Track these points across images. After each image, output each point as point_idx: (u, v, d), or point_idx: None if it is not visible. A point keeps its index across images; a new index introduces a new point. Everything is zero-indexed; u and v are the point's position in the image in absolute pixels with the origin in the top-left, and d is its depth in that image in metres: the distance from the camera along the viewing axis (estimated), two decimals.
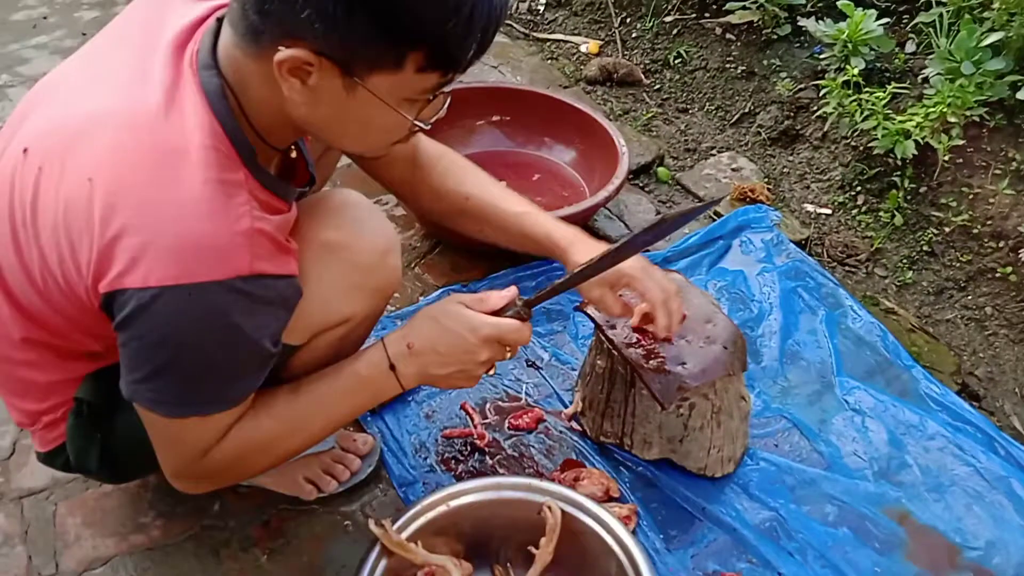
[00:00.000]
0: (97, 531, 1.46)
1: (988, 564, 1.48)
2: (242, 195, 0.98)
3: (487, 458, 1.63)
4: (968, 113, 2.12)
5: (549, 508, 1.30)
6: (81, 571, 1.41)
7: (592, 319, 1.54)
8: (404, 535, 1.28)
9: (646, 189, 2.37)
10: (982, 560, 1.48)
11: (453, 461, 1.62)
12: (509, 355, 1.26)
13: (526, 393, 1.76)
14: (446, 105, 1.10)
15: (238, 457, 1.17)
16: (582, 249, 1.38)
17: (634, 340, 1.50)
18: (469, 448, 1.65)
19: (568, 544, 1.30)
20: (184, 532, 1.47)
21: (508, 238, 1.48)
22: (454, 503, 1.34)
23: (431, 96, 1.04)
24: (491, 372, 1.32)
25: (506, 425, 1.69)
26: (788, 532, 1.51)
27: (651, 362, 1.46)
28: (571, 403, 1.73)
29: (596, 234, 2.17)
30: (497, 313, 1.23)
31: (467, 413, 1.71)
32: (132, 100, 1.00)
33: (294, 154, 1.19)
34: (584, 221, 2.10)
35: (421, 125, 1.07)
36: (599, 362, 1.60)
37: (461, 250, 2.07)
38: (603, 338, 1.54)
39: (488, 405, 1.73)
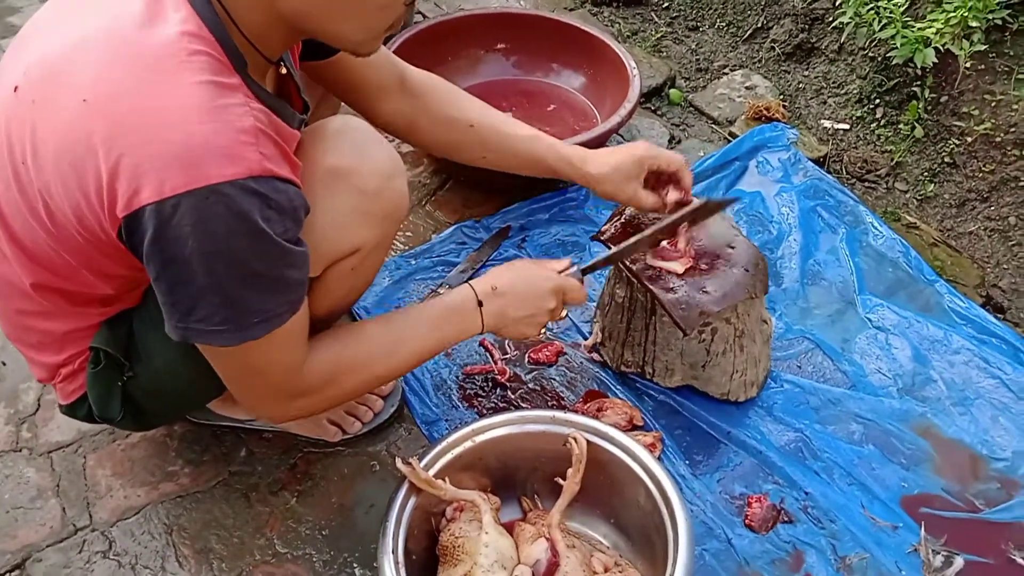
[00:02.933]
0: (127, 481, 1.48)
1: (1015, 474, 1.48)
2: (239, 96, 0.96)
3: (509, 393, 1.63)
4: (990, 16, 2.05)
5: (575, 439, 1.30)
6: (115, 521, 1.43)
7: (610, 249, 1.51)
8: (431, 472, 1.28)
9: (658, 112, 2.32)
10: (1008, 470, 1.48)
11: (475, 398, 1.62)
12: (564, 315, 1.38)
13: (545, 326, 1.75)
14: None
15: (330, 377, 1.18)
16: (595, 161, 1.44)
17: (653, 268, 1.47)
18: (490, 384, 1.65)
19: (595, 474, 1.31)
20: (213, 478, 1.49)
21: (516, 163, 1.47)
22: (479, 438, 1.34)
23: None
24: (542, 333, 1.40)
25: (526, 359, 1.69)
26: (814, 452, 1.51)
27: (671, 289, 1.44)
28: (591, 334, 1.71)
29: None
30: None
31: (486, 349, 1.70)
32: (113, 18, 0.97)
33: (284, 70, 1.15)
34: (597, 148, 2.05)
35: None
36: (618, 291, 1.58)
37: (472, 185, 2.04)
38: (622, 267, 1.52)
39: (507, 341, 1.72)
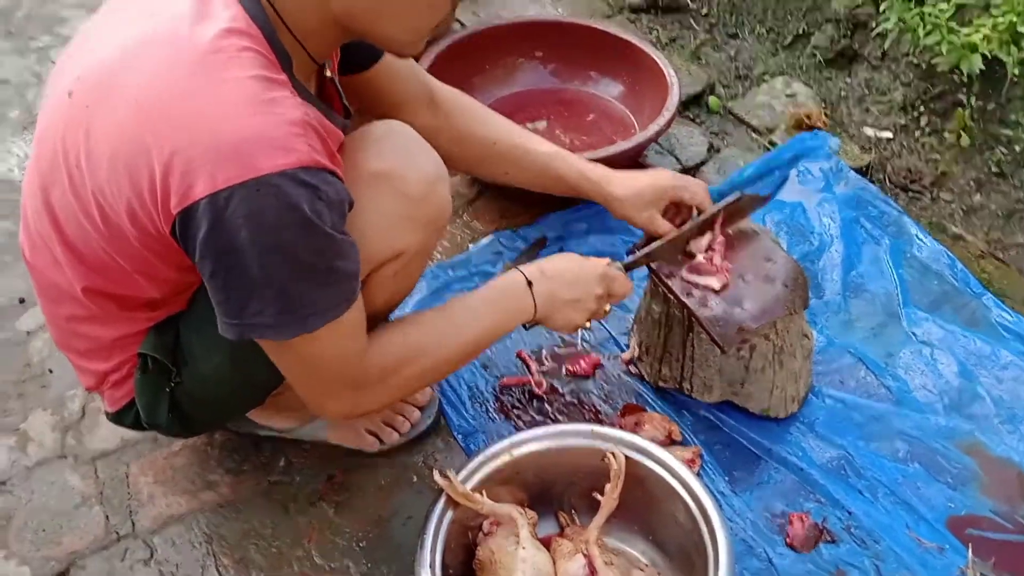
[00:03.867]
0: (169, 489, 1.50)
1: None
2: (287, 90, 0.98)
3: (546, 405, 1.62)
4: None
5: (613, 455, 1.29)
6: (157, 529, 1.45)
7: (647, 265, 1.50)
8: (468, 485, 1.28)
9: (697, 121, 2.30)
10: None
11: (512, 410, 1.62)
12: (607, 310, 1.39)
13: (582, 339, 1.74)
14: None
15: (392, 367, 1.19)
16: (617, 182, 1.45)
17: (690, 283, 1.46)
18: (527, 396, 1.64)
19: (633, 489, 1.30)
20: (253, 488, 1.50)
21: (538, 181, 1.50)
22: (517, 452, 1.34)
23: None
24: (588, 326, 1.40)
25: (563, 372, 1.68)
26: (857, 470, 1.48)
27: (709, 305, 1.43)
28: (628, 347, 1.70)
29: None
30: None
31: (523, 361, 1.70)
32: (162, 20, 0.99)
33: (328, 72, 1.17)
34: (635, 157, 2.04)
35: None
36: (655, 307, 1.57)
37: (509, 195, 2.03)
38: (658, 281, 1.51)
39: (544, 352, 1.71)
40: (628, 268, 1.41)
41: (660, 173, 1.49)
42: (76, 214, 1.07)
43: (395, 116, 1.38)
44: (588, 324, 1.38)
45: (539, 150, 1.47)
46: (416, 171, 1.23)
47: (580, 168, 1.47)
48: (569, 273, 1.33)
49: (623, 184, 1.45)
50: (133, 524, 1.46)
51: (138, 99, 0.97)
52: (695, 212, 1.48)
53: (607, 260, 1.39)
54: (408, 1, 1.04)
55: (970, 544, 1.37)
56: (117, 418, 1.34)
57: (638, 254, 1.44)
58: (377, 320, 1.35)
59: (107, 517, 1.46)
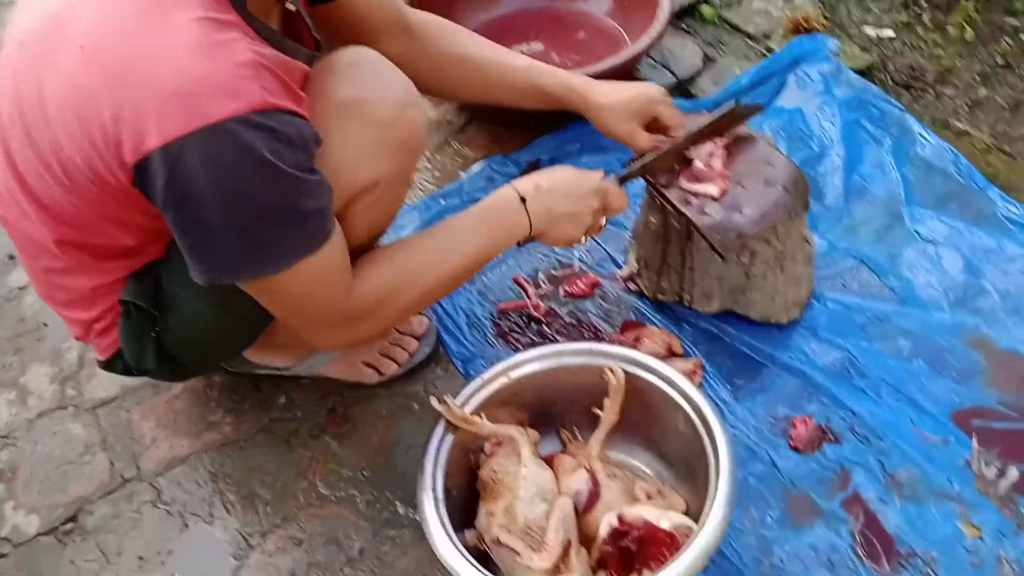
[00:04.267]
0: (171, 432, 1.50)
1: None
2: (236, 32, 0.95)
3: (545, 328, 1.60)
4: None
5: (611, 370, 1.28)
6: (161, 471, 1.46)
7: (643, 177, 1.46)
8: (467, 409, 1.28)
9: (691, 32, 2.22)
10: None
11: (511, 334, 1.60)
12: (603, 224, 1.36)
13: (578, 259, 1.72)
14: None
15: (382, 296, 1.18)
16: (600, 90, 1.41)
17: (688, 192, 1.42)
18: (526, 320, 1.62)
19: (633, 403, 1.28)
20: (254, 426, 1.50)
21: (520, 96, 1.45)
22: (515, 373, 1.32)
23: None
24: (585, 240, 1.36)
25: (561, 293, 1.66)
26: (860, 370, 1.46)
27: (708, 213, 1.39)
28: (625, 264, 1.67)
29: None
30: None
31: (520, 285, 1.68)
32: None
33: (291, 5, 1.12)
34: (627, 73, 1.98)
35: None
36: (652, 219, 1.53)
37: (498, 120, 1.99)
38: (655, 192, 1.47)
39: (540, 275, 1.69)
40: (623, 180, 1.37)
41: (646, 86, 1.44)
42: (37, 167, 1.05)
43: (369, 45, 1.33)
44: (584, 239, 1.35)
45: (517, 64, 1.43)
46: (384, 95, 1.19)
47: (561, 78, 1.43)
48: (564, 186, 1.30)
49: (606, 93, 1.41)
50: (138, 468, 1.47)
51: (84, 47, 0.94)
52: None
53: (602, 172, 1.35)
54: None
55: (975, 435, 1.35)
56: (108, 366, 1.33)
57: (634, 165, 1.40)
58: (363, 249, 1.33)
59: (111, 463, 1.48)
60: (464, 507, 1.26)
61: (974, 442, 1.35)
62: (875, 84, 1.99)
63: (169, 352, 1.27)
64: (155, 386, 1.56)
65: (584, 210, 1.30)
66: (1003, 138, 1.90)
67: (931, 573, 1.22)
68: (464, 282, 1.36)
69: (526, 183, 1.28)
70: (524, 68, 1.43)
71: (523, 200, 1.26)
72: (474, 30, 2.23)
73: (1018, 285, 1.55)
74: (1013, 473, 1.30)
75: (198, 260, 1.02)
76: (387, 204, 1.29)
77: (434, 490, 1.19)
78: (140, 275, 1.21)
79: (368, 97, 1.17)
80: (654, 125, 1.43)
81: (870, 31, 2.17)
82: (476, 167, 1.90)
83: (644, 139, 1.41)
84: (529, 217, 1.26)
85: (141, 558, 1.37)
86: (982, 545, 1.24)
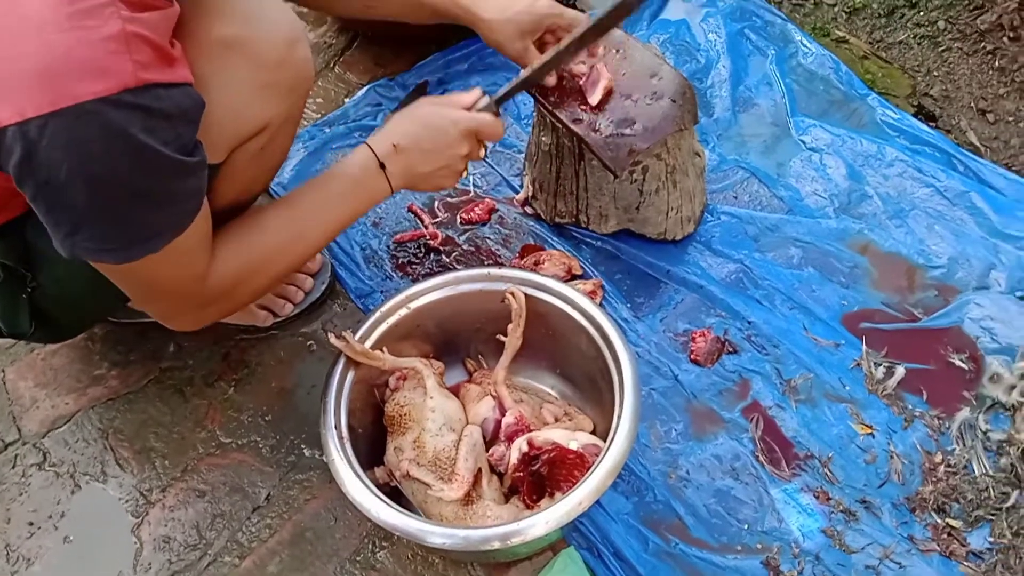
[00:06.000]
0: (52, 391, 1.42)
1: (951, 280, 1.48)
2: None
3: (443, 257, 1.57)
4: None
5: (512, 294, 1.26)
6: (45, 432, 1.38)
7: (531, 94, 1.42)
8: (368, 344, 1.24)
9: None
10: (945, 277, 1.49)
11: (409, 265, 1.56)
12: (483, 153, 1.27)
13: (474, 185, 1.68)
14: None
15: (238, 278, 1.11)
16: (489, 4, 1.30)
17: (577, 111, 1.39)
18: (423, 250, 1.59)
19: (536, 327, 1.28)
20: (143, 377, 1.43)
21: (403, 9, 1.34)
22: (414, 304, 1.29)
23: None
24: (465, 174, 1.29)
25: (458, 220, 1.62)
26: (754, 280, 1.49)
27: (597, 129, 1.37)
28: (522, 188, 1.65)
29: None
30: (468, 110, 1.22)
31: (415, 215, 1.63)
32: None
33: None
34: None
35: None
36: (544, 139, 1.50)
37: (382, 40, 1.91)
38: (545, 112, 1.44)
39: (437, 203, 1.65)
40: (500, 101, 1.26)
41: (538, 0, 1.34)
42: None
43: None
44: (465, 173, 1.29)
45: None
46: (268, 33, 1.10)
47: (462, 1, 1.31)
48: (427, 140, 1.20)
49: (496, 6, 1.31)
50: (19, 430, 1.38)
51: None
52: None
53: (476, 94, 1.25)
54: None
55: (864, 337, 1.41)
56: None
57: (509, 85, 1.29)
58: (248, 200, 1.25)
59: None
60: (372, 444, 1.24)
61: (863, 345, 1.41)
62: None
63: (44, 313, 1.18)
64: (28, 343, 1.46)
65: (452, 160, 1.22)
66: (879, 45, 1.95)
67: (828, 473, 1.28)
68: (326, 246, 1.30)
69: (383, 142, 1.19)
70: None
71: (382, 166, 1.18)
72: None
73: (898, 188, 1.61)
74: (900, 371, 1.37)
75: (61, 236, 0.94)
76: (276, 149, 1.21)
77: (338, 428, 1.16)
78: (4, 233, 1.10)
79: (249, 35, 1.08)
80: (552, 40, 1.35)
81: None
82: (360, 92, 1.82)
83: (535, 58, 1.31)
84: (389, 181, 1.19)
85: (31, 524, 1.30)
86: (874, 442, 1.31)
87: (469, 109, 1.23)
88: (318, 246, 1.21)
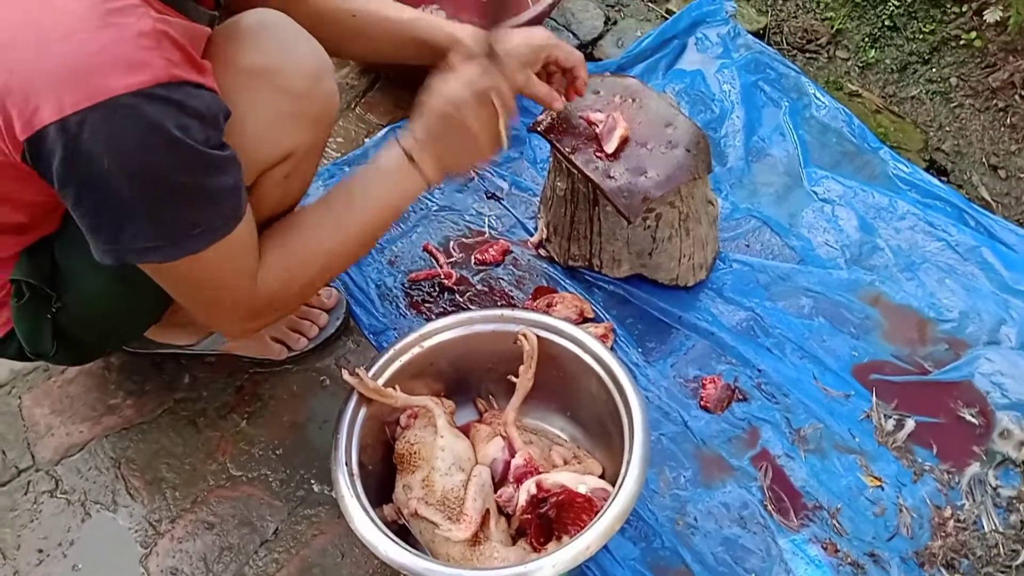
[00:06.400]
0: (67, 418, 1.43)
1: (962, 334, 1.49)
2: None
3: (457, 296, 1.59)
4: None
5: (524, 335, 1.28)
6: (59, 459, 1.39)
7: (548, 139, 1.45)
8: (380, 381, 1.26)
9: None
10: (955, 331, 1.50)
11: (423, 304, 1.58)
12: (504, 141, 1.21)
13: (489, 226, 1.70)
14: None
15: (283, 280, 1.12)
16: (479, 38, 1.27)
17: (593, 157, 1.42)
18: (438, 289, 1.61)
19: (547, 368, 1.29)
20: (158, 408, 1.45)
21: (405, 51, 1.36)
22: (427, 343, 1.31)
23: None
24: (504, 143, 1.22)
25: (472, 261, 1.64)
26: (765, 329, 1.50)
27: (612, 176, 1.40)
28: (536, 231, 1.67)
29: None
30: None
31: (431, 254, 1.66)
32: None
33: None
34: None
35: None
36: (559, 184, 1.53)
37: (402, 83, 1.94)
38: (561, 157, 1.47)
39: (452, 243, 1.67)
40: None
41: (533, 32, 1.31)
42: None
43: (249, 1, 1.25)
44: (504, 146, 1.23)
45: (401, 17, 1.33)
46: (297, 64, 1.13)
47: (447, 30, 1.32)
48: (440, 128, 1.17)
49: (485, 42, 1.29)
50: (33, 457, 1.39)
51: None
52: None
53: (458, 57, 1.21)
54: None
55: (874, 388, 1.42)
56: None
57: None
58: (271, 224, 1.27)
59: (3, 453, 1.39)
60: (381, 481, 1.24)
61: (873, 396, 1.41)
62: (771, 46, 2.03)
63: (67, 334, 1.20)
64: (47, 369, 1.48)
65: (473, 126, 1.17)
66: (892, 99, 1.98)
67: (836, 524, 1.28)
68: (366, 253, 1.30)
69: (407, 138, 1.18)
70: (409, 21, 1.34)
71: (411, 159, 1.17)
72: None
73: (909, 241, 1.62)
74: (910, 424, 1.38)
75: (102, 240, 0.96)
76: (300, 177, 1.24)
77: (348, 464, 1.17)
78: (33, 252, 1.13)
79: (280, 66, 1.11)
80: (556, 71, 1.34)
81: None
82: (380, 134, 1.85)
83: (539, 86, 1.30)
84: (423, 174, 1.18)
85: (41, 551, 1.30)
86: (883, 495, 1.31)
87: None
88: (360, 244, 1.21)
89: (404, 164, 1.18)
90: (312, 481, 1.36)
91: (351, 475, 1.16)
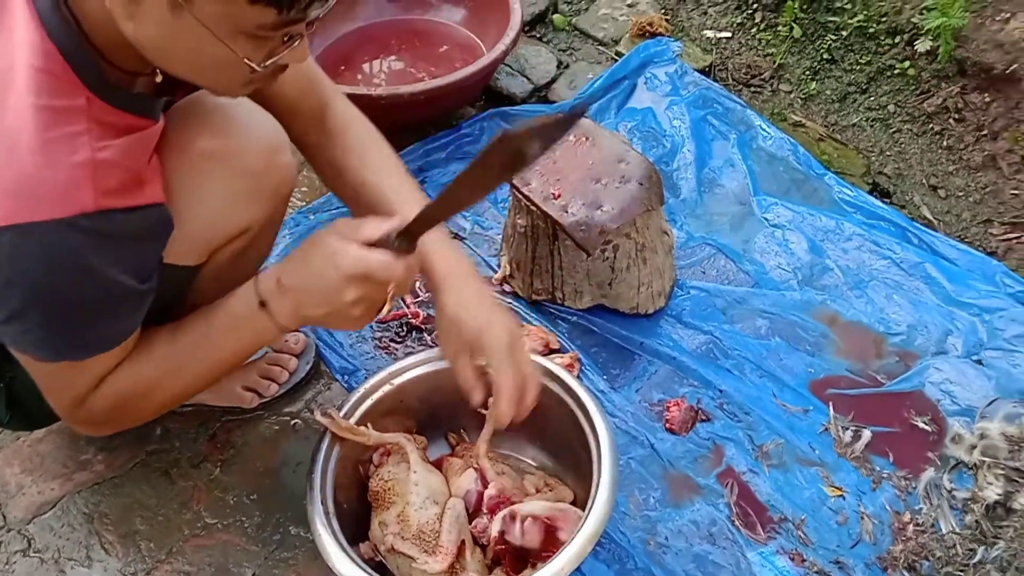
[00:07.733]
0: (39, 477, 1.43)
1: (911, 346, 1.55)
2: (79, 123, 0.89)
3: (425, 335, 1.62)
4: None
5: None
6: (31, 518, 1.38)
7: (510, 184, 1.50)
8: (352, 420, 1.27)
9: (544, 40, 2.30)
10: (905, 344, 1.56)
11: (392, 344, 1.61)
12: (390, 296, 1.02)
13: None
14: (305, 51, 0.94)
15: (117, 405, 1.08)
16: (455, 296, 1.14)
17: (550, 193, 1.48)
18: (405, 328, 1.63)
19: None
20: (129, 461, 1.45)
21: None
22: (397, 381, 1.33)
23: (285, 37, 0.89)
24: (384, 311, 1.05)
25: None
26: (724, 351, 1.55)
27: (570, 212, 1.45)
28: (499, 268, 1.71)
29: (499, 94, 2.11)
30: (376, 245, 0.99)
31: None
32: None
33: (159, 79, 1.01)
34: (484, 80, 2.03)
35: (254, 66, 0.89)
36: (519, 221, 1.58)
37: None
38: (519, 195, 1.52)
39: (418, 284, 1.71)
40: (411, 234, 0.97)
41: (501, 324, 1.13)
42: None
43: (282, 124, 1.22)
44: (385, 310, 1.05)
45: (391, 200, 1.19)
46: (251, 143, 1.14)
47: (427, 251, 1.13)
48: (310, 281, 1.01)
49: (458, 303, 1.13)
50: (4, 517, 1.38)
51: None
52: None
53: (389, 226, 0.98)
54: (192, 57, 0.90)
55: (831, 403, 1.47)
56: None
57: (418, 217, 0.96)
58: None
59: None
60: (357, 520, 1.25)
61: (831, 410, 1.46)
62: (717, 83, 2.12)
63: (21, 401, 1.21)
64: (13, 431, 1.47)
65: (338, 306, 1.00)
66: (834, 128, 2.07)
67: (802, 535, 1.32)
68: (215, 383, 1.20)
69: (269, 279, 1.05)
70: (397, 204, 1.18)
71: (263, 304, 1.05)
72: (333, 42, 2.22)
73: (857, 261, 1.69)
74: (866, 435, 1.42)
75: None
76: (259, 248, 1.26)
77: (324, 503, 1.18)
78: None
79: (236, 147, 1.12)
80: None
81: (709, 33, 2.30)
82: None
83: (465, 370, 1.15)
84: (276, 321, 1.06)
85: None
86: (845, 504, 1.35)
87: (373, 245, 0.98)
88: (205, 381, 1.14)
89: (255, 310, 1.06)
90: (288, 524, 1.36)
91: (327, 513, 1.17)
